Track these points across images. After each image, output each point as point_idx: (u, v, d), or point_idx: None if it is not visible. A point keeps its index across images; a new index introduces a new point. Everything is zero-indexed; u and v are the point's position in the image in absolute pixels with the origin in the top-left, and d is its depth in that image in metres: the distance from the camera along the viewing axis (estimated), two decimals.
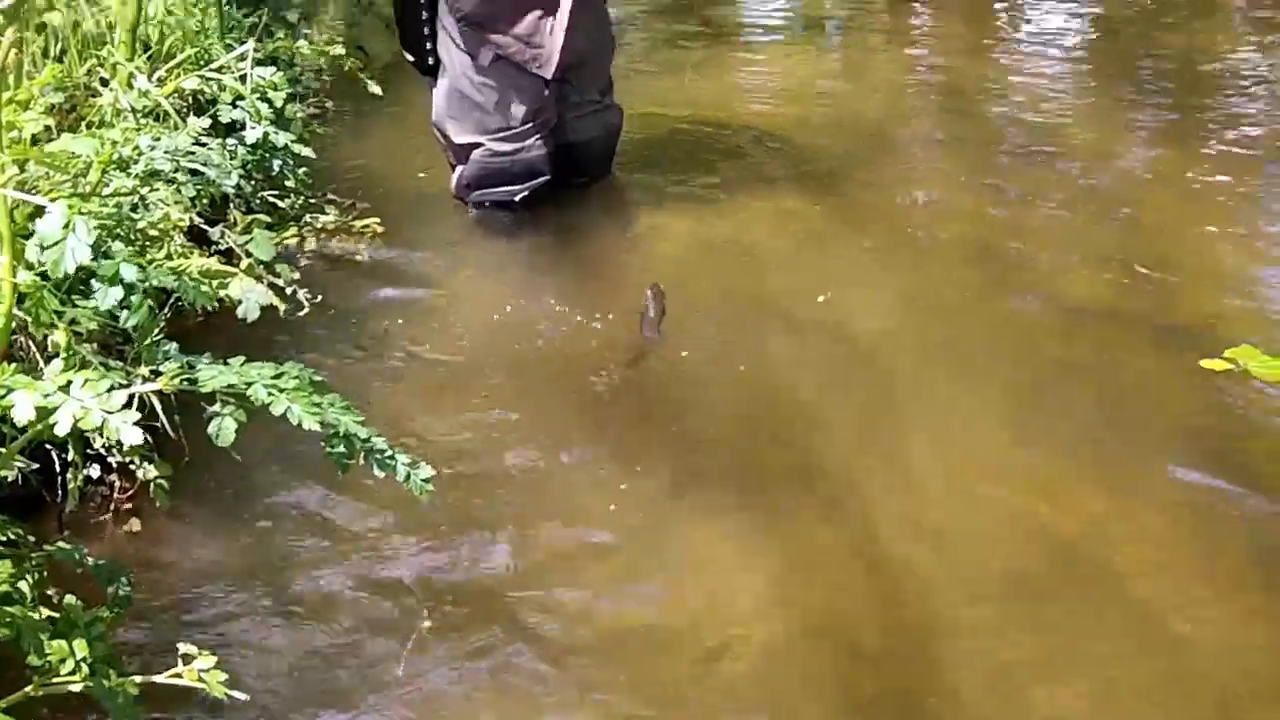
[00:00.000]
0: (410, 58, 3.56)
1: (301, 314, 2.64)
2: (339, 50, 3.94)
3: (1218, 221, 3.36)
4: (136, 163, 2.34)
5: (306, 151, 3.07)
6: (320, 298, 2.77)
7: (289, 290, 2.56)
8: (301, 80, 4.16)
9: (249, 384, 1.64)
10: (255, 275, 2.29)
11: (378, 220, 3.39)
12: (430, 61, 3.49)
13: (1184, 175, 3.71)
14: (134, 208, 2.31)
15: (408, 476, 1.65)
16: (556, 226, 3.52)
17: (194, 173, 2.64)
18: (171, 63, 3.24)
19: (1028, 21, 5.93)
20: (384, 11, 3.90)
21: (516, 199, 3.51)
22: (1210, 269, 3.12)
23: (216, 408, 1.66)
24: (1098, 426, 2.53)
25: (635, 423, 2.60)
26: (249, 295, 1.96)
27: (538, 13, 3.28)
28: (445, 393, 2.72)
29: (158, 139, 2.53)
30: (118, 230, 2.07)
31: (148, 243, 2.32)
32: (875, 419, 2.58)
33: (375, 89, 3.71)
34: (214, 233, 2.76)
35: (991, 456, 2.45)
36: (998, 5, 6.41)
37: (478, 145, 3.44)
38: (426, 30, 3.43)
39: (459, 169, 3.53)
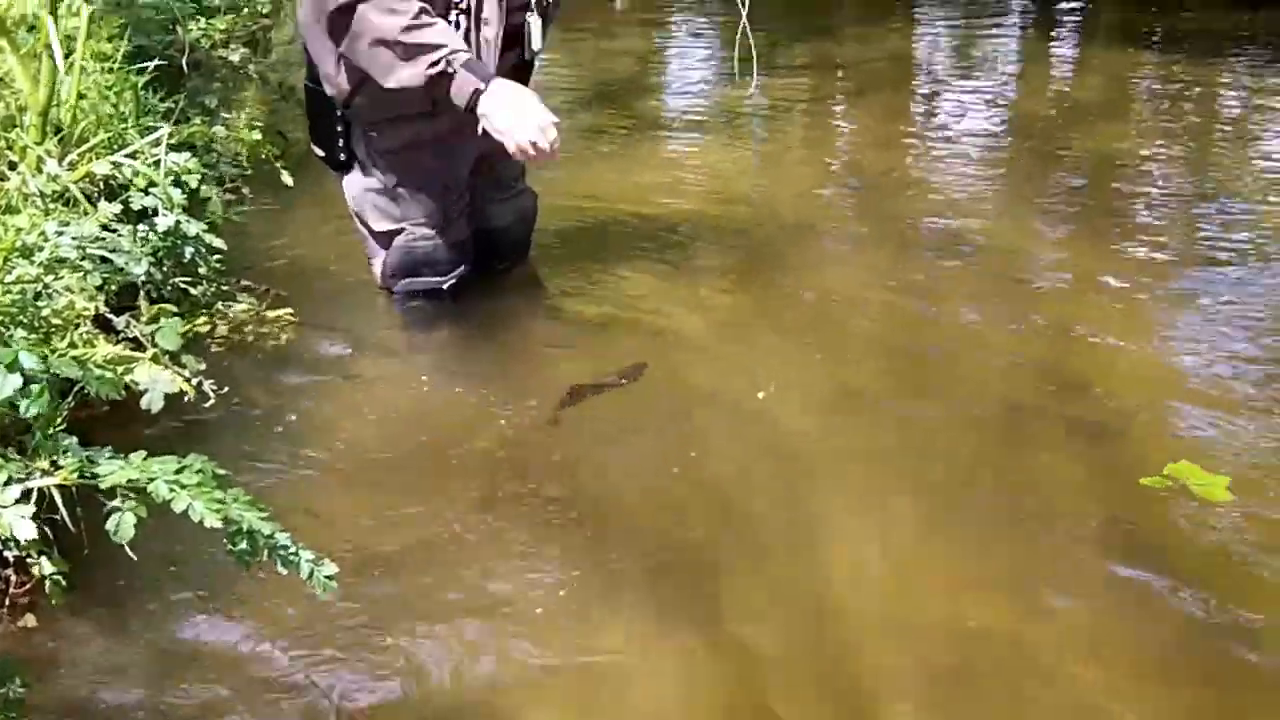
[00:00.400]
0: (320, 152, 3.44)
1: (208, 405, 2.58)
2: (256, 137, 3.92)
3: (1128, 321, 3.42)
4: (42, 249, 2.29)
5: (218, 242, 3.04)
6: (227, 389, 2.71)
7: (195, 381, 2.50)
8: (218, 166, 4.12)
9: (150, 479, 1.60)
10: (161, 365, 2.24)
11: (291, 310, 3.34)
12: (341, 158, 3.38)
13: (1094, 274, 3.78)
14: (37, 295, 2.26)
15: (311, 573, 1.61)
16: (479, 316, 3.48)
17: (103, 259, 2.60)
18: (84, 147, 3.20)
19: (943, 119, 6.06)
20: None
21: (445, 287, 3.48)
22: (1123, 367, 3.16)
23: (116, 503, 1.62)
24: (1022, 522, 2.54)
25: (560, 527, 2.55)
26: (153, 385, 1.92)
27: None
28: (355, 488, 2.67)
29: (66, 225, 2.49)
30: (20, 318, 2.03)
31: (51, 331, 2.27)
32: (804, 520, 2.55)
33: (288, 179, 3.67)
34: (119, 322, 2.70)
35: (919, 554, 2.44)
36: (914, 103, 6.56)
37: (400, 231, 3.40)
38: (340, 127, 3.33)
39: (382, 256, 3.48)
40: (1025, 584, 2.35)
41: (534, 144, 2.94)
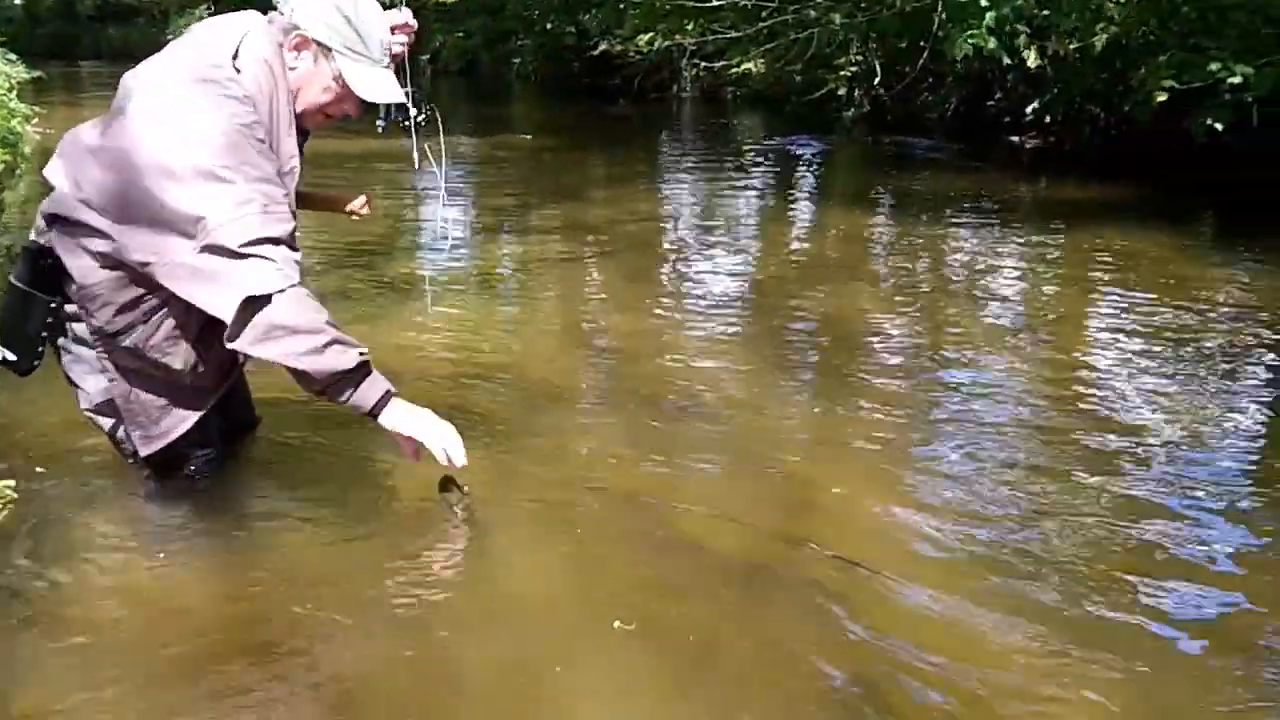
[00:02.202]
0: (9, 356, 3.09)
1: None
2: None
3: (867, 477, 3.50)
4: None
5: None
6: None
7: None
8: None
9: None
10: None
11: (12, 484, 3.13)
12: (34, 364, 3.09)
13: (831, 434, 3.90)
14: None
15: None
16: (213, 495, 3.27)
17: None
18: None
19: (688, 280, 6.25)
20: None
21: (200, 465, 3.30)
22: (860, 525, 3.22)
23: None
24: (767, 681, 2.51)
25: None
26: None
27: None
28: (89, 688, 2.42)
29: None
30: None
31: None
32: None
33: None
34: None
35: None
36: (660, 264, 6.74)
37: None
38: (44, 334, 3.07)
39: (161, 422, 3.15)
40: None
41: (448, 453, 3.01)
